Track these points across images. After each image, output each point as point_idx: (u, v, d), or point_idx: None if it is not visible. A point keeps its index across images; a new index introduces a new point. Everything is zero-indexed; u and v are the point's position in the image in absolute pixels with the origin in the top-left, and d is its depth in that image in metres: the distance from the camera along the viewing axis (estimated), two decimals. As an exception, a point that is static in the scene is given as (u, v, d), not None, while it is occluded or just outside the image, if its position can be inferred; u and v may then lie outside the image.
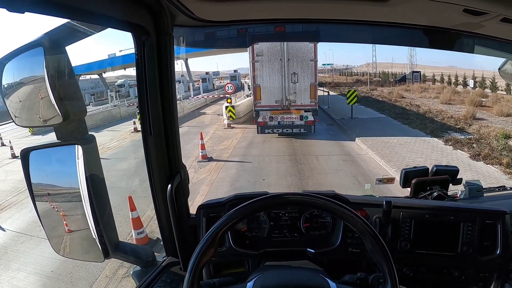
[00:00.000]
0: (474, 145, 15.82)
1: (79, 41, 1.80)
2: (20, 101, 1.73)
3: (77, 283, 7.49)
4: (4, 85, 1.69)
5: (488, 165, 12.99)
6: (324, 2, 1.87)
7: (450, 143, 16.37)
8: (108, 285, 7.25)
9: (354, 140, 18.09)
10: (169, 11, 1.94)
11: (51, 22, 1.66)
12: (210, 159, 15.69)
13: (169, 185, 2.20)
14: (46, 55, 1.53)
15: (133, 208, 8.51)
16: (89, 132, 1.78)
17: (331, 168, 13.65)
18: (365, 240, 1.67)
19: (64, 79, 1.60)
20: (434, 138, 17.48)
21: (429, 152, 15.16)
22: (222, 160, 15.57)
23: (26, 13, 1.14)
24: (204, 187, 11.93)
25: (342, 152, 16.05)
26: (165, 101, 2.13)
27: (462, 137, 17.28)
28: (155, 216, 7.22)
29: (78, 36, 1.74)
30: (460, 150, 15.32)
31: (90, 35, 1.77)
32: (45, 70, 1.54)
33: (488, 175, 11.94)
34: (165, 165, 2.26)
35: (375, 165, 13.86)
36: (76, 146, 1.71)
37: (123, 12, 1.70)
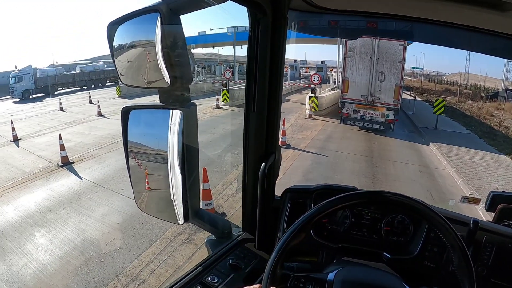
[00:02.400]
0: None
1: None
2: (128, 61, 1.81)
3: (139, 238, 7.93)
4: (115, 45, 1.76)
5: None
6: (444, 3, 1.81)
7: (536, 176, 15.28)
8: (168, 246, 7.60)
9: (429, 147, 17.97)
10: None
11: None
12: (288, 146, 15.83)
13: (263, 164, 2.22)
14: (162, 22, 1.58)
15: (205, 180, 8.79)
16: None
17: (407, 177, 13.31)
18: (454, 255, 1.64)
19: (176, 46, 1.65)
20: (520, 167, 16.45)
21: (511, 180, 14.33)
22: (299, 149, 15.65)
23: None
24: (278, 172, 11.89)
25: (419, 163, 15.61)
26: (273, 81, 2.15)
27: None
28: (224, 191, 7.48)
29: (197, 5, 1.76)
30: None
31: (212, 5, 1.78)
32: (158, 36, 1.60)
33: None
34: (262, 143, 2.29)
35: (452, 182, 13.28)
36: (177, 111, 1.77)
37: None
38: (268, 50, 2.07)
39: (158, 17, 1.59)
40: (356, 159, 15.01)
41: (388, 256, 2.29)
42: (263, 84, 2.13)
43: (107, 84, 51.91)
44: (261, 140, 2.28)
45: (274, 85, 2.16)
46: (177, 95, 1.80)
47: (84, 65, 55.04)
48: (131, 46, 1.77)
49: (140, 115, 1.94)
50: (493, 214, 3.04)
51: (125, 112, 1.89)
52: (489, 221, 2.86)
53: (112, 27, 1.74)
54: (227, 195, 9.87)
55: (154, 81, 1.74)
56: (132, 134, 1.91)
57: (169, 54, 1.61)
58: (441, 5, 1.84)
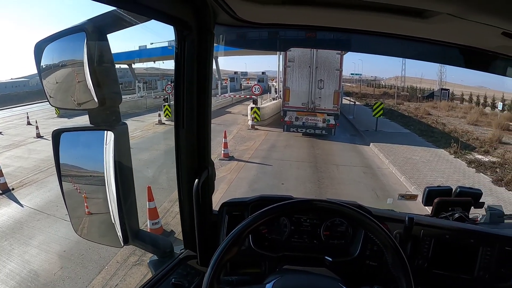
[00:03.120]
0: (498, 170, 15.40)
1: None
2: (57, 82, 1.76)
3: (87, 265, 7.61)
4: (42, 65, 1.72)
5: (511, 191, 12.63)
6: (364, 13, 1.85)
7: (473, 165, 16.07)
8: (118, 270, 7.38)
9: (370, 147, 18.48)
10: (212, 9, 1.95)
11: (95, 9, 1.69)
12: (231, 158, 15.83)
13: (196, 180, 2.20)
14: (88, 41, 1.57)
15: (151, 198, 8.64)
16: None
17: (351, 179, 13.56)
18: (387, 253, 1.66)
19: (103, 66, 1.64)
20: (458, 159, 17.20)
21: (451, 172, 14.95)
22: (243, 160, 15.66)
23: None
24: (223, 185, 11.93)
25: (363, 164, 15.98)
26: (201, 97, 2.14)
27: (486, 160, 16.94)
28: (172, 209, 7.94)
29: (121, 25, 1.75)
30: (482, 173, 15.00)
31: (134, 25, 1.77)
32: (85, 55, 1.58)
33: (510, 202, 11.61)
34: (194, 159, 2.27)
35: (395, 180, 13.69)
36: (109, 131, 1.75)
37: (168, 6, 1.73)
38: (195, 66, 2.07)
39: (85, 36, 1.58)
40: (300, 166, 15.25)
41: (330, 259, 2.34)
42: (192, 100, 2.12)
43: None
44: (193, 157, 2.27)
45: (202, 101, 2.16)
46: (107, 115, 1.77)
47: None
48: (59, 66, 1.74)
49: (72, 138, 1.90)
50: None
51: (56, 135, 1.84)
52: (427, 215, 3.02)
53: (40, 47, 1.71)
54: (174, 212, 9.65)
55: (84, 102, 1.71)
56: (64, 157, 1.86)
57: (96, 74, 1.60)
58: (368, 16, 1.88)
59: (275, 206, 1.65)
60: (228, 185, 12.07)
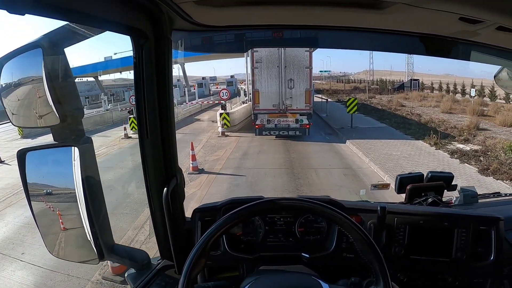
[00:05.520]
0: (482, 158, 15.37)
1: (77, 43, 1.85)
2: (18, 100, 1.78)
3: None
4: (2, 84, 1.73)
5: (499, 180, 12.74)
6: (322, 8, 1.91)
7: (456, 156, 15.99)
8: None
9: (347, 145, 18.76)
10: (168, 16, 1.97)
11: (50, 24, 1.70)
12: (201, 171, 15.04)
13: (165, 188, 2.23)
14: (45, 56, 1.58)
15: (108, 232, 7.74)
16: (82, 136, 1.82)
17: (332, 183, 13.22)
18: (356, 242, 1.69)
19: (62, 80, 1.65)
20: (439, 151, 17.16)
21: (435, 166, 14.68)
22: (214, 173, 14.91)
23: (26, 15, 1.16)
24: (193, 203, 10.93)
25: (342, 165, 15.61)
26: (162, 104, 2.15)
27: (468, 149, 16.93)
28: (136, 238, 7.69)
29: (77, 38, 1.78)
30: (467, 163, 14.90)
31: (89, 37, 1.83)
32: (43, 71, 1.58)
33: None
34: (161, 168, 2.28)
35: (378, 179, 13.27)
36: (73, 147, 1.75)
37: (122, 16, 1.72)
38: (154, 74, 2.08)
39: (41, 52, 1.58)
40: (276, 173, 14.80)
41: (307, 256, 2.39)
42: (154, 109, 2.12)
43: None
44: (160, 166, 2.27)
45: (165, 108, 2.17)
46: (70, 131, 1.78)
47: None
48: (19, 84, 1.75)
49: (38, 156, 1.90)
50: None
51: (22, 155, 1.83)
52: (401, 203, 3.14)
53: (-1, 65, 1.69)
54: (139, 242, 8.96)
55: (46, 119, 1.70)
56: (32, 177, 1.85)
57: (56, 89, 1.60)
58: (326, 11, 1.94)
59: (239, 210, 1.69)
60: (199, 203, 11.05)
